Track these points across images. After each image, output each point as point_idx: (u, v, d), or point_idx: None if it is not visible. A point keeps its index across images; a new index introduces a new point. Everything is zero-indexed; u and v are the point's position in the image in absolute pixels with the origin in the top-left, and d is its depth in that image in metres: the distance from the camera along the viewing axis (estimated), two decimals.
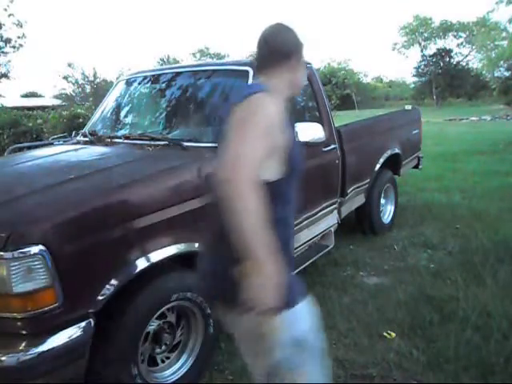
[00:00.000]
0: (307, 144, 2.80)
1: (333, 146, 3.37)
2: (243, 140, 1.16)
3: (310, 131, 2.79)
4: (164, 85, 3.31)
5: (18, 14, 17.09)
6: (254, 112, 1.22)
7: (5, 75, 17.94)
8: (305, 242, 3.18)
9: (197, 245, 2.22)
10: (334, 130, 3.45)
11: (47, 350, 1.71)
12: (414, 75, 39.52)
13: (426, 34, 36.72)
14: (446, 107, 29.86)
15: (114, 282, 1.86)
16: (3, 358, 1.66)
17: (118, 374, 1.92)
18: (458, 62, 37.00)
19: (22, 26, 16.53)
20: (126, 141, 2.92)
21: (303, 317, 1.33)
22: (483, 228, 4.32)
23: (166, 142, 2.69)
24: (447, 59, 36.75)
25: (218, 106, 2.98)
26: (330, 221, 3.49)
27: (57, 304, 1.71)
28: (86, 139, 3.13)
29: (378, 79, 47.07)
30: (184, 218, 2.18)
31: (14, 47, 17.13)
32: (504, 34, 23.81)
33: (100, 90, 24.59)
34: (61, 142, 3.37)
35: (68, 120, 10.67)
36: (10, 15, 16.01)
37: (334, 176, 3.46)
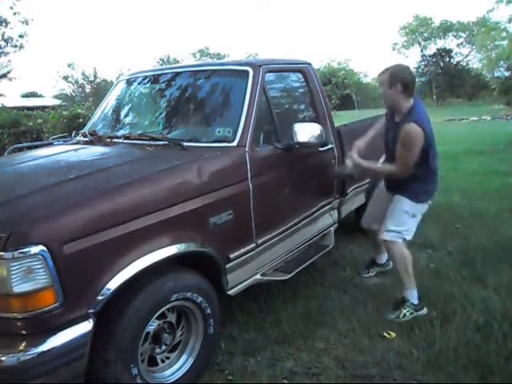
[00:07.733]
0: (303, 144, 2.81)
1: (330, 146, 3.36)
2: None
3: (308, 131, 2.79)
4: (164, 85, 3.31)
5: (21, 13, 17.08)
6: None
7: (5, 75, 17.93)
8: (303, 241, 3.18)
9: (197, 244, 2.23)
10: (330, 130, 3.44)
11: (47, 350, 1.71)
12: None
13: (425, 34, 36.64)
14: (446, 107, 29.79)
15: (113, 281, 1.86)
16: (3, 358, 1.66)
17: (118, 374, 1.92)
18: (458, 62, 36.92)
19: (28, 24, 16.54)
20: (125, 141, 2.92)
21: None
22: (483, 228, 4.32)
23: (166, 142, 2.69)
24: (447, 59, 36.66)
25: (218, 106, 2.99)
26: (327, 220, 3.49)
27: (57, 304, 1.71)
28: (86, 139, 3.12)
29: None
30: (184, 217, 2.18)
31: (15, 46, 17.12)
32: (504, 34, 23.78)
33: (100, 90, 24.56)
34: (61, 142, 3.36)
35: (68, 120, 10.64)
36: (15, 13, 16.01)
37: (330, 176, 3.45)
